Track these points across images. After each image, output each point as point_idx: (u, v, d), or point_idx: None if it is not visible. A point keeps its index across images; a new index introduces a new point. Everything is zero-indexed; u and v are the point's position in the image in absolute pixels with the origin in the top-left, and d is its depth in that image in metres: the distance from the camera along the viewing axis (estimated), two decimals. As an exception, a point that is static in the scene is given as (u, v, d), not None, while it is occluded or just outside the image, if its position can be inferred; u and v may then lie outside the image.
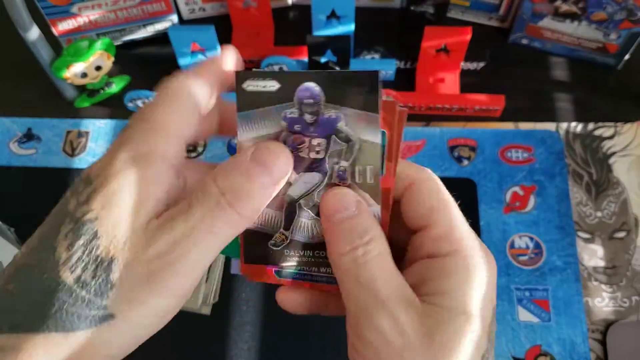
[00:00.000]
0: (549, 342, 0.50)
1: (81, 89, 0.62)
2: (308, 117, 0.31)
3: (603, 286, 0.53)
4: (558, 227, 0.55)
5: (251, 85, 0.31)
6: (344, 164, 0.30)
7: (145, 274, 0.24)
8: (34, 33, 0.54)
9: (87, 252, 0.24)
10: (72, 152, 0.59)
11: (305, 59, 0.61)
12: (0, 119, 0.61)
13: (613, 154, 0.59)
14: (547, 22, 0.61)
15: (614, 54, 0.62)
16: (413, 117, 0.61)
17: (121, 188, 0.25)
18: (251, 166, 0.26)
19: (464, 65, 0.63)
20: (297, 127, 0.31)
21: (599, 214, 0.56)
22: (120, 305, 0.24)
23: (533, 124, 0.60)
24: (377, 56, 0.62)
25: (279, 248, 0.33)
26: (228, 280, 0.53)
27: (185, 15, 0.67)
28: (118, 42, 0.65)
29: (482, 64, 0.63)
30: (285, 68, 0.62)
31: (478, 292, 0.27)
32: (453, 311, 0.26)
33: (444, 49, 0.59)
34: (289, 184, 0.31)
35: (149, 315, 0.26)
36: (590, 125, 0.60)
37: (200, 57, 0.60)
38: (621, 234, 0.55)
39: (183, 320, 0.51)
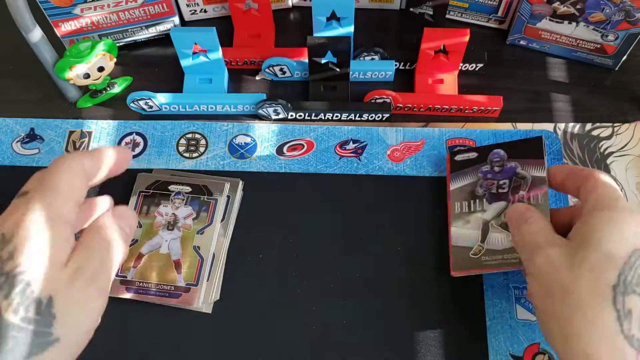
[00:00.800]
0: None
1: (84, 89, 0.63)
2: (496, 168, 0.53)
3: (601, 285, 0.53)
4: (556, 226, 0.55)
5: (459, 157, 0.56)
6: (522, 193, 0.50)
7: (77, 296, 0.34)
8: (36, 34, 0.54)
9: (24, 297, 0.31)
10: (75, 152, 0.59)
11: (306, 60, 0.61)
12: (3, 120, 0.61)
13: (611, 154, 0.59)
14: (545, 24, 0.61)
15: (611, 55, 0.62)
16: (412, 118, 0.62)
17: (40, 247, 0.32)
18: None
19: (462, 66, 0.63)
20: (488, 176, 0.53)
21: (596, 213, 0.56)
22: (63, 329, 0.32)
23: (531, 125, 0.61)
24: (376, 57, 0.62)
25: (477, 257, 0.50)
26: (229, 279, 0.53)
27: (187, 16, 0.68)
28: (120, 44, 0.65)
29: (480, 65, 0.63)
30: (285, 69, 0.62)
31: (607, 230, 0.39)
32: (581, 244, 0.39)
33: (442, 50, 0.60)
34: (483, 210, 0.52)
35: (83, 330, 0.34)
36: (588, 126, 0.61)
37: (201, 58, 0.60)
38: (619, 233, 0.55)
39: (184, 318, 0.52)
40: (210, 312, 0.52)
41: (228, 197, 0.56)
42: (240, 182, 0.57)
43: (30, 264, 0.32)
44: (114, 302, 0.47)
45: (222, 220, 0.55)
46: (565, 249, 0.40)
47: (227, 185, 0.56)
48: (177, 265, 0.53)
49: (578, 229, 0.41)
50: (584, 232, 0.40)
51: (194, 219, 0.55)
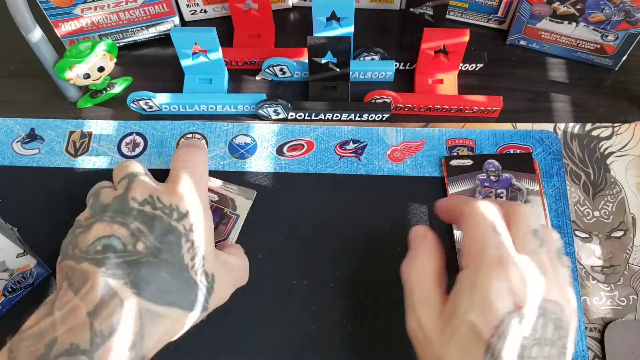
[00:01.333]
0: (547, 340, 0.51)
1: (84, 90, 0.63)
2: (493, 177, 0.56)
3: (601, 285, 0.53)
4: (556, 226, 0.55)
5: (455, 162, 0.57)
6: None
7: (225, 281, 0.45)
8: (36, 34, 0.54)
9: (201, 266, 0.42)
10: (75, 153, 0.59)
11: (306, 60, 0.61)
12: (3, 120, 0.61)
13: (611, 154, 0.59)
14: (545, 24, 0.61)
15: (611, 55, 0.62)
16: (412, 118, 0.62)
17: (205, 229, 0.45)
18: None
19: (462, 66, 0.63)
20: (486, 184, 0.56)
21: (596, 213, 0.56)
22: (211, 303, 0.44)
23: (531, 125, 0.61)
24: (376, 57, 0.62)
25: None
26: (229, 279, 0.53)
27: (187, 16, 0.68)
28: (120, 44, 0.65)
29: (480, 65, 0.63)
30: (286, 69, 0.62)
31: (470, 298, 0.35)
32: (451, 314, 0.35)
33: (442, 50, 0.60)
34: None
35: (214, 307, 0.44)
36: (588, 126, 0.61)
37: (201, 58, 0.60)
38: (619, 234, 0.55)
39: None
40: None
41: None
42: (255, 193, 0.56)
43: (201, 241, 0.42)
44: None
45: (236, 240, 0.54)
46: (437, 315, 0.36)
47: (249, 204, 0.56)
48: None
49: (454, 289, 0.37)
50: (454, 297, 0.36)
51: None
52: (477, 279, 0.34)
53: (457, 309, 0.34)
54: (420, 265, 0.41)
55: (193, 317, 0.41)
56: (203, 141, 0.54)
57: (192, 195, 0.43)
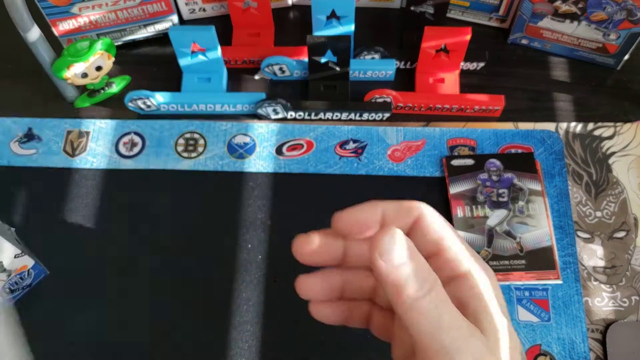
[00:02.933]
0: (548, 342, 0.50)
1: (82, 89, 0.62)
2: (494, 177, 0.55)
3: (603, 286, 0.53)
4: (558, 226, 0.55)
5: (455, 162, 0.56)
6: (521, 203, 0.54)
7: None
8: (34, 33, 0.54)
9: None
10: (73, 152, 0.59)
11: (306, 59, 0.61)
12: (1, 119, 0.61)
13: (613, 154, 0.59)
14: (546, 22, 0.61)
15: (613, 54, 0.62)
16: (412, 117, 0.61)
17: None
18: None
19: (463, 65, 0.63)
20: (487, 184, 0.55)
21: (598, 213, 0.56)
22: None
23: (533, 124, 0.60)
24: (377, 56, 0.62)
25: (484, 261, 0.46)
26: (228, 279, 0.53)
27: (186, 15, 0.67)
28: (118, 43, 0.65)
29: (481, 64, 0.63)
30: (285, 68, 0.62)
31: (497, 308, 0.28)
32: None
33: (443, 49, 0.59)
34: (486, 217, 0.54)
35: None
36: (590, 125, 0.60)
37: (200, 57, 0.60)
38: (621, 234, 0.55)
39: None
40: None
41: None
42: None
43: None
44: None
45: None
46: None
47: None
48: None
49: None
50: None
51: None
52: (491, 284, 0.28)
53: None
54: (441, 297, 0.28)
55: None
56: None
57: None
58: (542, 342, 0.50)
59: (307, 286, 0.32)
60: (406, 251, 0.26)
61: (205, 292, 0.53)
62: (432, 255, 0.28)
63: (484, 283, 0.28)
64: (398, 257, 0.26)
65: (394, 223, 0.29)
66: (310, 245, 0.31)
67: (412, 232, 0.29)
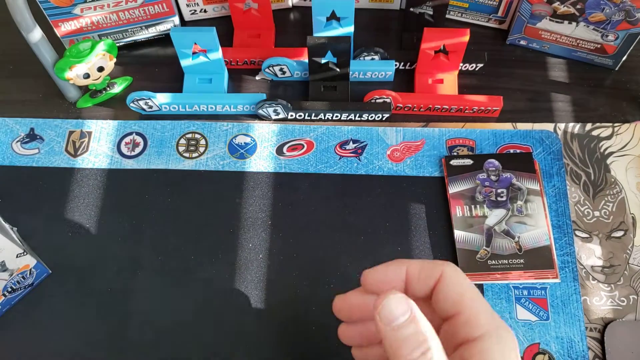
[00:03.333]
0: (547, 341, 0.51)
1: (84, 89, 0.62)
2: (493, 177, 0.56)
3: (601, 285, 0.53)
4: (556, 226, 0.55)
5: (455, 162, 0.57)
6: (520, 202, 0.55)
7: None
8: (36, 34, 0.54)
9: None
10: (75, 153, 0.59)
11: (306, 60, 0.61)
12: (3, 120, 0.61)
13: (611, 154, 0.59)
14: (545, 24, 0.61)
15: (611, 55, 0.62)
16: (412, 118, 0.62)
17: None
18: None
19: (462, 66, 0.63)
20: (486, 183, 0.56)
21: (596, 213, 0.56)
22: None
23: (531, 125, 0.60)
24: (376, 57, 0.62)
25: (483, 260, 0.53)
26: (229, 279, 0.53)
27: (187, 16, 0.68)
28: (120, 43, 0.65)
29: (480, 65, 0.63)
30: (285, 69, 0.62)
31: None
32: None
33: (442, 50, 0.60)
34: (485, 216, 0.54)
35: None
36: (588, 126, 0.61)
37: (201, 58, 0.60)
38: (619, 234, 0.55)
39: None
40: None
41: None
42: None
43: None
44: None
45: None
46: None
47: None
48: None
49: None
50: None
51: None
52: (507, 346, 0.29)
53: None
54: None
55: None
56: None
57: None
58: (541, 341, 0.51)
59: (346, 334, 0.36)
60: (406, 315, 0.28)
61: (206, 291, 0.53)
62: (451, 316, 0.30)
63: (493, 350, 0.28)
64: (396, 320, 0.28)
65: (418, 282, 0.31)
66: (347, 303, 0.35)
67: (435, 289, 0.31)
